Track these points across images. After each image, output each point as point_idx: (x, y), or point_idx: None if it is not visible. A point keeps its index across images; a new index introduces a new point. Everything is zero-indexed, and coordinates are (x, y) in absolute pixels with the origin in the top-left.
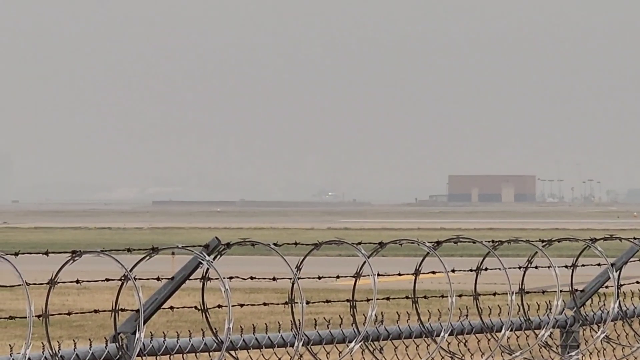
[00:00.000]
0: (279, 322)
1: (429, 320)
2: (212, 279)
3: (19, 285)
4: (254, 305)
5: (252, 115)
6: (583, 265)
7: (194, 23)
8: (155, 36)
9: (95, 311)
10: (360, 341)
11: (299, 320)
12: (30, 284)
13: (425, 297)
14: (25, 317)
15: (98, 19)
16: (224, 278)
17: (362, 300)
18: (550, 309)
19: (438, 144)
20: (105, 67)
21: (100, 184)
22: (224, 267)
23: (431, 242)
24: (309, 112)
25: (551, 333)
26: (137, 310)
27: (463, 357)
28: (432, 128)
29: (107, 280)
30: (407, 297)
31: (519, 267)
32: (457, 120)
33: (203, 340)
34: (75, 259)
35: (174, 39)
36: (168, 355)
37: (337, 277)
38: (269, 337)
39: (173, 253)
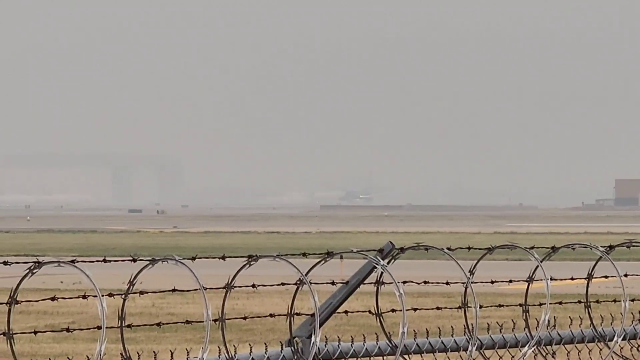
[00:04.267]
0: (452, 327)
1: (601, 325)
2: (385, 283)
3: (195, 289)
4: (427, 309)
5: (419, 120)
6: None
7: (357, 30)
8: (316, 41)
9: (271, 315)
10: (534, 346)
11: (471, 324)
12: (206, 288)
13: (597, 301)
14: (200, 322)
15: (263, 26)
16: (398, 282)
17: (534, 305)
18: None
19: (605, 147)
20: (272, 74)
21: (269, 188)
22: (396, 271)
23: (604, 247)
24: (475, 116)
25: None
26: (313, 315)
27: None
28: (599, 132)
29: (283, 284)
30: (579, 302)
31: None
32: (625, 123)
33: (377, 344)
34: (252, 263)
35: (333, 44)
36: (342, 359)
37: (510, 281)
38: (442, 341)
39: (341, 257)
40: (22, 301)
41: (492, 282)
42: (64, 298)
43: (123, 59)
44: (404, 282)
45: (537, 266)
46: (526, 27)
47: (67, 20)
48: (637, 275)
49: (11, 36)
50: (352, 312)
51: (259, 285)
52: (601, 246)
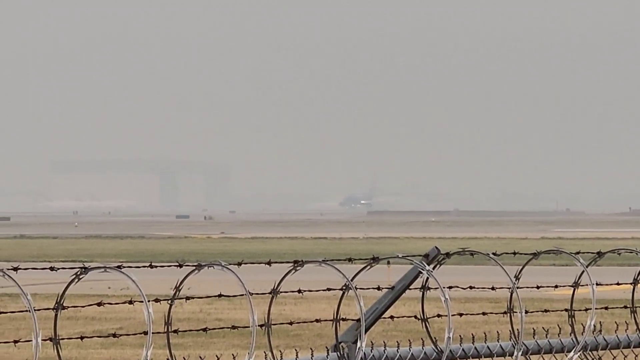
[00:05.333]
0: (498, 332)
1: None
2: (431, 288)
3: (241, 295)
4: (473, 314)
5: (466, 125)
6: None
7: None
8: (366, 45)
9: (317, 320)
10: (579, 351)
11: (517, 329)
12: (252, 293)
13: None
14: (247, 327)
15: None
16: (444, 287)
17: (580, 310)
18: None
19: None
20: (320, 79)
21: (316, 194)
22: (442, 277)
23: None
24: (522, 121)
25: None
26: (358, 320)
27: None
28: None
29: (329, 289)
30: (625, 307)
31: None
32: None
33: (423, 349)
34: (297, 268)
35: (386, 47)
36: None
37: (556, 286)
38: (488, 347)
39: (388, 262)
40: (69, 307)
41: (538, 287)
42: (111, 303)
43: (170, 64)
44: (450, 288)
45: (583, 271)
46: (573, 27)
47: (116, 25)
48: None
49: (58, 41)
50: (398, 318)
51: (305, 291)
52: None
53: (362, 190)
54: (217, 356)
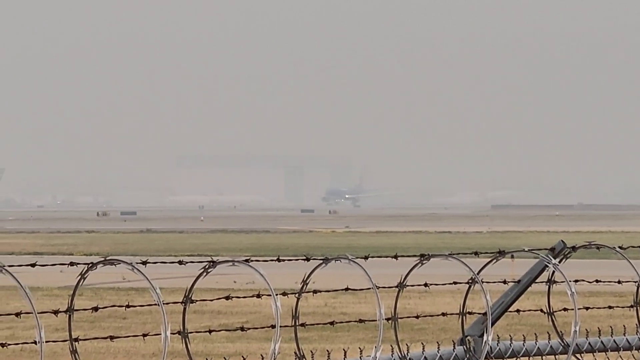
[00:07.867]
0: (624, 326)
1: None
2: (557, 282)
3: (367, 288)
4: (599, 308)
5: (591, 118)
6: None
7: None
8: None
9: (443, 314)
10: None
11: None
12: (379, 287)
13: None
14: (373, 321)
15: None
16: (570, 281)
17: None
18: None
19: None
20: (437, 73)
21: (440, 188)
22: (566, 270)
23: None
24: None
25: None
26: (484, 313)
27: None
28: None
29: (455, 283)
30: None
31: None
32: None
33: (549, 343)
34: (424, 262)
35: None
36: (514, 358)
37: None
38: (614, 340)
39: (512, 256)
40: (196, 300)
41: None
42: (239, 297)
43: (295, 59)
44: (576, 281)
45: None
46: None
47: (242, 24)
48: None
49: (181, 38)
50: (523, 311)
51: (430, 284)
52: None
53: (368, 183)
54: (344, 350)
